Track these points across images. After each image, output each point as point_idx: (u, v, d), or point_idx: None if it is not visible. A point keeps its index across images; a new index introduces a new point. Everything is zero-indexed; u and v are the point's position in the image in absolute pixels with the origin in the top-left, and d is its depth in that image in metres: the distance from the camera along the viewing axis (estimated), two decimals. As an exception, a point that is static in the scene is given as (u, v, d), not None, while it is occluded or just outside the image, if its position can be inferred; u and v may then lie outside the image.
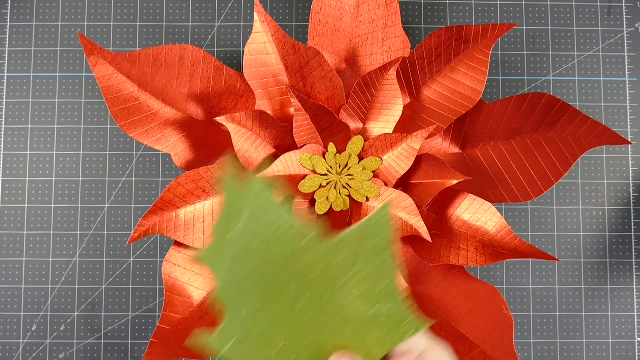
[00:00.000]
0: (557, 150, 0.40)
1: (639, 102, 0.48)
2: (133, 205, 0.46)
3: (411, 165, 0.40)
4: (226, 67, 0.42)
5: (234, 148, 0.40)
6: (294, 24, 0.48)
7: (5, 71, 0.47)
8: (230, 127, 0.39)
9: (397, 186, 0.42)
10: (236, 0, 0.48)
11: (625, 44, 0.48)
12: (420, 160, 0.41)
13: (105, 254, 0.46)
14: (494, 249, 0.39)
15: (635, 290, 0.46)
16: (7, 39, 0.47)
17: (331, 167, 0.42)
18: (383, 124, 0.42)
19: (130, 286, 0.46)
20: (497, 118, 0.42)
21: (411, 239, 0.41)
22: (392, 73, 0.39)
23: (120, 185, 0.46)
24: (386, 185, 0.41)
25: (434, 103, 0.42)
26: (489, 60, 0.40)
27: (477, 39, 0.40)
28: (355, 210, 0.42)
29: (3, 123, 0.47)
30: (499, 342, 0.39)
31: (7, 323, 0.45)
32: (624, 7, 0.48)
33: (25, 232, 0.46)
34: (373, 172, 0.42)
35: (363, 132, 0.42)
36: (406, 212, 0.40)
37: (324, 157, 0.42)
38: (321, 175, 0.42)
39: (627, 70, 0.48)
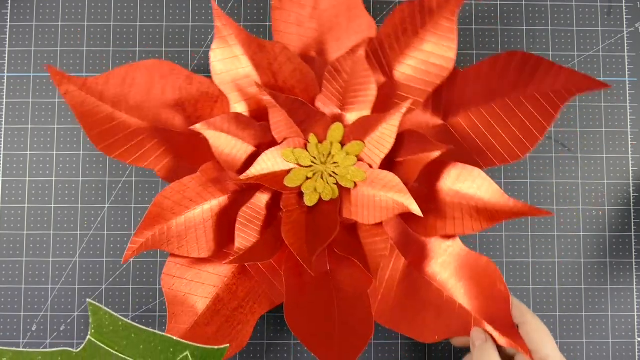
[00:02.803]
0: (538, 106, 0.40)
1: (639, 102, 0.48)
2: (133, 205, 0.46)
3: (393, 143, 0.40)
4: (196, 75, 0.42)
5: (214, 154, 0.40)
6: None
7: (5, 71, 0.47)
8: (208, 133, 0.39)
9: (382, 166, 0.41)
10: (236, 0, 0.48)
11: (625, 44, 0.48)
12: (402, 137, 0.41)
13: (105, 254, 0.46)
14: (489, 213, 0.39)
15: (635, 290, 0.46)
16: (7, 39, 0.47)
17: (315, 158, 0.42)
18: (360, 106, 0.41)
19: (130, 286, 0.46)
20: (473, 83, 0.42)
21: (405, 217, 0.41)
22: (361, 54, 0.39)
23: (120, 185, 0.46)
24: (371, 167, 0.41)
25: (408, 78, 0.42)
26: (455, 27, 0.39)
27: (441, 7, 0.39)
28: (344, 197, 0.42)
29: (3, 123, 0.47)
30: (497, 315, 0.39)
31: (7, 323, 0.45)
32: (624, 7, 0.48)
33: (25, 232, 0.46)
34: (357, 156, 0.42)
35: (342, 118, 0.42)
36: (394, 190, 0.39)
37: (306, 149, 0.42)
38: (306, 167, 0.42)
39: (627, 70, 0.48)
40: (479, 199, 0.39)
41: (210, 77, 0.42)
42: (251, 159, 0.41)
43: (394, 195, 0.39)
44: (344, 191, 0.42)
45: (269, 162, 0.41)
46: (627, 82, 0.48)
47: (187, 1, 0.48)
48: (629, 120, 0.47)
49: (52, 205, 0.46)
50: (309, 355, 0.46)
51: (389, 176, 0.40)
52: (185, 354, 0.32)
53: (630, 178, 0.47)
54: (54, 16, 0.47)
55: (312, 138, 0.42)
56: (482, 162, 0.41)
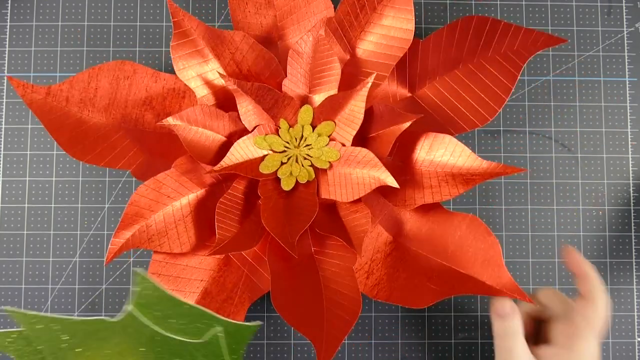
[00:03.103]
0: (500, 68, 0.41)
1: (639, 102, 0.48)
2: (133, 205, 0.46)
3: (362, 119, 0.40)
4: (160, 72, 0.43)
5: (185, 147, 0.40)
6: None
7: (5, 71, 0.47)
8: (177, 127, 0.40)
9: (355, 144, 0.42)
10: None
11: (625, 44, 0.48)
12: (372, 112, 0.42)
13: (105, 254, 0.46)
14: (464, 177, 0.39)
15: (635, 290, 0.46)
16: (7, 39, 0.47)
17: (288, 142, 0.42)
18: (326, 86, 0.42)
19: (131, 286, 0.46)
20: (434, 53, 0.43)
21: (383, 191, 0.42)
22: (320, 35, 0.40)
23: (120, 185, 0.46)
24: (344, 146, 0.42)
25: (371, 54, 0.43)
26: None
27: None
28: (321, 177, 0.42)
29: (3, 123, 0.47)
30: (491, 267, 0.39)
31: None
32: (624, 7, 0.48)
33: (25, 232, 0.46)
34: (329, 136, 0.42)
35: (310, 100, 0.43)
36: (369, 166, 0.40)
37: (278, 134, 0.42)
38: (279, 152, 0.42)
39: (627, 70, 0.48)
40: (453, 165, 0.40)
41: (174, 74, 0.42)
42: (224, 149, 0.42)
43: (369, 171, 0.40)
44: (320, 172, 0.42)
45: (242, 151, 0.41)
46: (627, 82, 0.48)
47: (187, 1, 0.48)
48: (629, 120, 0.47)
49: (52, 205, 0.46)
50: (309, 356, 0.46)
51: (363, 152, 0.40)
52: (218, 328, 0.32)
53: (630, 178, 0.47)
54: (54, 16, 0.47)
55: (283, 123, 0.42)
56: (452, 130, 0.42)
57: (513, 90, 0.41)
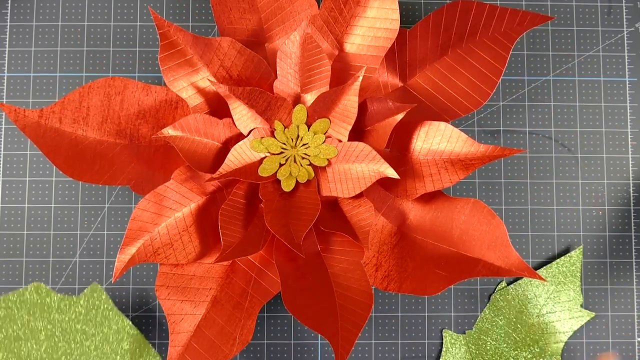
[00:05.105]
0: (489, 51, 0.41)
1: (639, 102, 0.48)
2: (133, 205, 0.46)
3: (356, 113, 0.41)
4: (151, 85, 0.42)
5: (182, 157, 0.40)
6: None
7: (5, 71, 0.47)
8: (172, 138, 0.40)
9: (352, 138, 0.42)
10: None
11: (625, 44, 0.48)
12: (365, 105, 0.42)
13: (105, 254, 0.46)
14: (463, 163, 0.39)
15: (635, 290, 0.46)
16: (7, 39, 0.47)
17: (284, 143, 0.42)
18: (317, 84, 0.42)
19: (130, 286, 0.46)
20: (422, 41, 0.43)
21: (384, 184, 0.42)
22: (307, 33, 0.40)
23: (120, 185, 0.46)
24: (340, 142, 0.42)
25: (359, 48, 0.43)
26: None
27: None
28: (321, 175, 0.42)
29: (3, 123, 0.47)
30: (498, 248, 0.39)
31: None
32: (624, 7, 0.48)
33: (25, 232, 0.46)
34: (325, 133, 0.42)
35: (302, 100, 0.43)
36: (368, 159, 0.40)
37: (274, 136, 0.42)
38: (277, 154, 0.42)
39: (627, 70, 0.48)
40: (451, 152, 0.40)
41: (164, 86, 0.42)
42: (221, 156, 0.42)
43: (368, 164, 0.40)
44: (319, 170, 0.43)
45: (240, 156, 0.41)
46: (627, 82, 0.48)
47: (187, 1, 0.48)
48: (629, 120, 0.47)
49: (52, 205, 0.46)
50: (309, 356, 0.46)
51: (360, 146, 0.40)
52: None
53: (630, 178, 0.47)
54: (54, 16, 0.47)
55: (278, 124, 0.42)
56: (447, 116, 0.42)
57: (504, 72, 0.41)
